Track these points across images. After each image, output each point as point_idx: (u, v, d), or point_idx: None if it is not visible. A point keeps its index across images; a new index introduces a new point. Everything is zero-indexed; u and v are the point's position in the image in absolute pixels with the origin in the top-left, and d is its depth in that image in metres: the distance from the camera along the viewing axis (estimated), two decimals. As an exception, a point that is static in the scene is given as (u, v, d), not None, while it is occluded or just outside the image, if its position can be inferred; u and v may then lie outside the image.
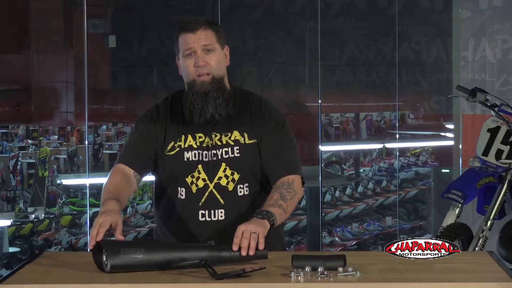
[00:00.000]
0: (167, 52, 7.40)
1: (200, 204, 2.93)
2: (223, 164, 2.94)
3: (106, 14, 7.26)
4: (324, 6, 7.69)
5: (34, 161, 8.32)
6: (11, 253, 7.67)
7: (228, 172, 2.94)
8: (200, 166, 2.93)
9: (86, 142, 7.45)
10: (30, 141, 9.25)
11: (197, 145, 2.95)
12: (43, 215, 8.00)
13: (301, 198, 3.03)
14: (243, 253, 2.56)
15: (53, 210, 8.18)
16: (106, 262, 2.49)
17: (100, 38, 7.20)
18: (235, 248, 2.57)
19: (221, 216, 2.93)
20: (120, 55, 7.59)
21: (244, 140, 2.97)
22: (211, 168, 2.93)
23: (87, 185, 7.16)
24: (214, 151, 2.94)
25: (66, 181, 8.17)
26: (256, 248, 2.57)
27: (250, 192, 2.96)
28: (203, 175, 2.93)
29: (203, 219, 2.93)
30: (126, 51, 7.69)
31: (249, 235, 2.58)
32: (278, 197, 2.84)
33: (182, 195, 2.95)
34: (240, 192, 2.95)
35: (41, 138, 9.07)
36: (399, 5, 7.74)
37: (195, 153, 2.94)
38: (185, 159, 2.94)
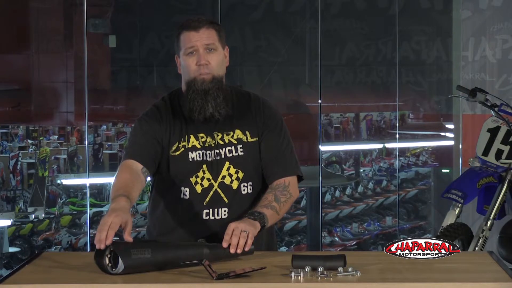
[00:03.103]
0: (167, 52, 7.41)
1: (204, 203, 2.94)
2: (227, 163, 2.95)
3: (106, 14, 7.25)
4: (324, 6, 7.69)
5: (34, 161, 8.31)
6: (11, 253, 7.67)
7: (232, 170, 2.95)
8: (204, 166, 2.94)
9: (86, 142, 7.45)
10: (30, 141, 9.23)
11: (200, 145, 2.95)
12: (43, 215, 7.99)
13: (297, 197, 3.06)
14: (232, 251, 2.61)
15: (53, 210, 8.18)
16: (118, 263, 2.48)
17: (100, 38, 7.19)
18: (225, 245, 2.62)
19: (225, 215, 2.94)
20: (120, 55, 7.59)
21: (247, 138, 2.98)
22: (215, 168, 2.94)
23: (87, 185, 7.16)
24: (217, 151, 2.95)
25: (66, 181, 8.16)
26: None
27: (253, 190, 2.98)
28: (207, 175, 2.94)
29: (207, 217, 2.94)
30: (126, 51, 7.69)
31: (239, 233, 2.63)
32: (272, 199, 2.87)
33: (185, 195, 2.95)
34: (244, 190, 2.96)
35: (41, 138, 9.06)
36: (399, 5, 7.74)
37: (199, 153, 2.95)
38: (190, 159, 2.94)
